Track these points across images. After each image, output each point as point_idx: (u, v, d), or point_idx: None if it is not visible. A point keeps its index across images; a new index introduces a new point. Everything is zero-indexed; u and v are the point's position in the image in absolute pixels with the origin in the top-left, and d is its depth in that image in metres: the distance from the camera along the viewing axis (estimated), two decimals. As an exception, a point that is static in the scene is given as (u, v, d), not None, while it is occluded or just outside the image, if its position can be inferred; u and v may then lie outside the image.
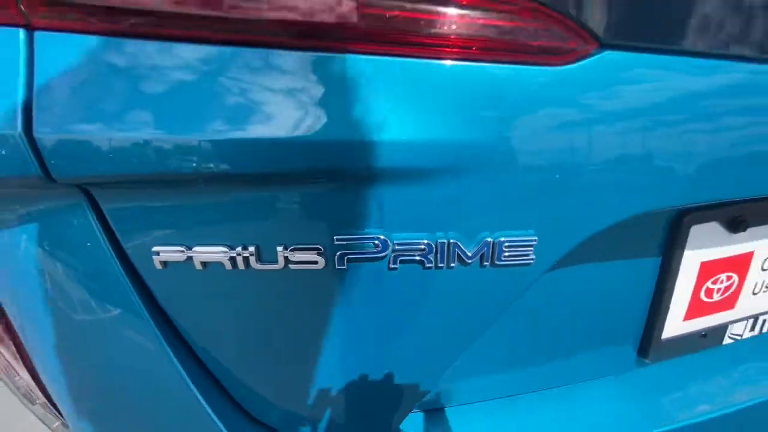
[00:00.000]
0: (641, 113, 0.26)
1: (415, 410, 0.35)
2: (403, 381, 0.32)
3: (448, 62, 0.24)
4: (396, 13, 0.22)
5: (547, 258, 0.28)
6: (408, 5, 0.22)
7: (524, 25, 0.23)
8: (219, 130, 0.22)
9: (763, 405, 0.40)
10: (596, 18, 0.24)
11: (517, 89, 0.24)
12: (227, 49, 0.23)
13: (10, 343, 0.36)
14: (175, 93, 0.23)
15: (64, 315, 0.28)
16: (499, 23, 0.23)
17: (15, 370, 0.38)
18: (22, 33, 0.23)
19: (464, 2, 0.23)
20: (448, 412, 0.36)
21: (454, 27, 0.23)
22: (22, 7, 0.23)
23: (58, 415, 0.43)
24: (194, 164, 0.23)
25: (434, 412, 0.36)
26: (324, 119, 0.23)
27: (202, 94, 0.23)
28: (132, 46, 0.22)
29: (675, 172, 0.29)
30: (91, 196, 0.25)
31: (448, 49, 0.23)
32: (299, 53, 0.23)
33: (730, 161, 0.30)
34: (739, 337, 0.42)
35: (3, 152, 0.22)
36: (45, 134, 0.22)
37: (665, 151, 0.27)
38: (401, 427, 0.34)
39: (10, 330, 0.34)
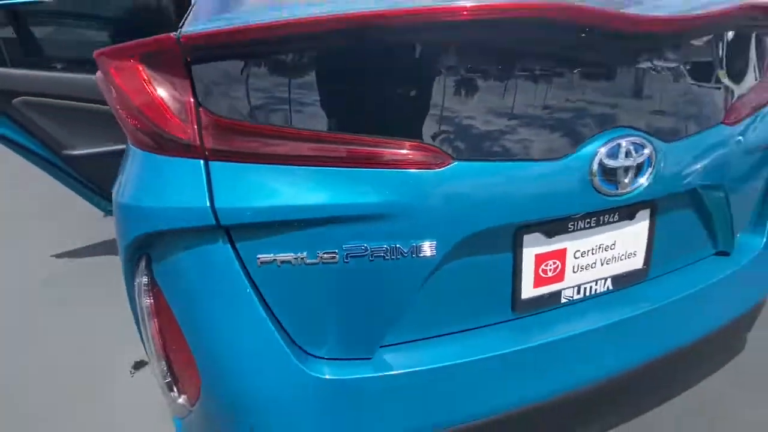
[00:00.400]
0: (482, 191, 0.57)
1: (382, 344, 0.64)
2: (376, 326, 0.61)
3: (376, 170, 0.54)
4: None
5: (443, 250, 0.58)
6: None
7: (415, 153, 0.54)
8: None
9: (587, 334, 0.70)
10: (450, 146, 0.56)
11: (413, 179, 0.55)
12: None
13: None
14: (302, 180, 0.52)
15: (211, 302, 0.56)
16: (405, 152, 0.54)
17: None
18: (202, 163, 0.53)
19: (373, 142, 0.54)
20: (402, 346, 0.65)
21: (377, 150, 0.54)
22: (204, 150, 0.53)
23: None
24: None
25: (393, 346, 0.65)
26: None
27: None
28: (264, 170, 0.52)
29: (507, 210, 0.60)
30: (229, 232, 0.54)
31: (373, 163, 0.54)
32: None
33: (531, 208, 0.61)
34: (570, 298, 0.72)
35: (197, 221, 0.52)
36: (222, 206, 0.51)
37: (497, 202, 0.59)
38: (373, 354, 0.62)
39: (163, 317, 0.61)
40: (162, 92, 0.52)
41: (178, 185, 0.52)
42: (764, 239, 0.91)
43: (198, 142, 0.52)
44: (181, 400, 0.70)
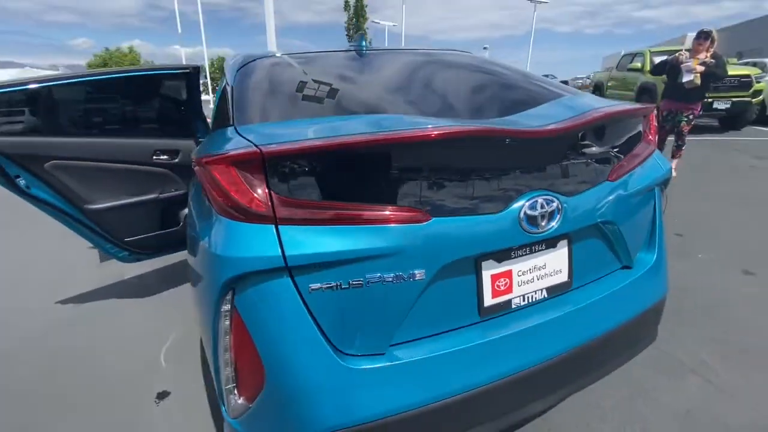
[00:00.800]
0: (451, 235, 0.89)
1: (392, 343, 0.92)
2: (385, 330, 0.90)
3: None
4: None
5: (429, 275, 0.88)
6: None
7: (409, 214, 0.85)
8: None
9: (532, 329, 1.00)
10: (430, 209, 0.87)
11: (408, 230, 0.85)
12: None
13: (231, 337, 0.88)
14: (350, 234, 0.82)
15: (277, 319, 0.83)
16: (403, 214, 0.85)
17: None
18: (272, 228, 0.82)
19: (383, 208, 0.85)
20: (405, 344, 0.93)
21: (385, 213, 0.85)
22: (275, 219, 0.82)
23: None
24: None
25: (399, 344, 0.93)
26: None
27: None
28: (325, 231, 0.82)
29: (469, 246, 0.91)
30: (290, 270, 0.82)
31: (383, 221, 0.84)
32: None
33: (485, 244, 0.93)
34: (518, 304, 1.03)
35: (270, 265, 0.80)
36: (289, 254, 0.80)
37: (462, 241, 0.90)
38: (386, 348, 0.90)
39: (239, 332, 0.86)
40: (248, 183, 0.82)
41: (259, 242, 0.81)
42: (654, 256, 1.27)
43: (271, 214, 0.81)
44: (240, 401, 0.95)
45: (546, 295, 1.07)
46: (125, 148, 2.06)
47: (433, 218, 0.87)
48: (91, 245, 3.45)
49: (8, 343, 2.08)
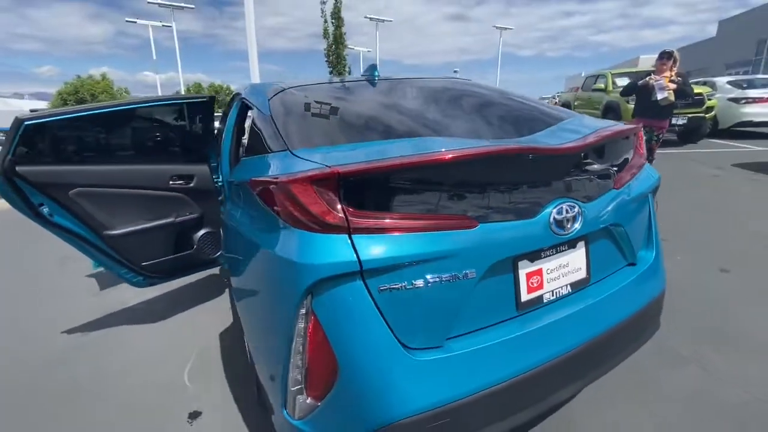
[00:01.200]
0: (495, 238, 1.03)
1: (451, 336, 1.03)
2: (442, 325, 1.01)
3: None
4: None
5: (479, 274, 1.01)
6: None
7: (461, 221, 0.99)
8: None
9: (561, 320, 1.14)
10: (478, 216, 1.01)
11: (462, 235, 0.98)
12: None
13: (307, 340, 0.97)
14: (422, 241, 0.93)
15: (351, 318, 0.93)
16: (457, 221, 0.99)
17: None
18: (346, 236, 0.93)
19: (440, 217, 0.98)
20: (458, 337, 1.04)
21: (443, 221, 0.98)
22: (349, 229, 0.93)
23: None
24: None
25: (454, 338, 1.04)
26: None
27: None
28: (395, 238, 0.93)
29: (509, 248, 1.05)
30: (362, 274, 0.93)
31: (440, 228, 0.98)
32: None
33: (521, 246, 1.07)
34: (549, 299, 1.17)
35: (346, 269, 0.91)
36: (363, 259, 0.91)
37: (503, 244, 1.04)
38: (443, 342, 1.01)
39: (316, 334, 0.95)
40: (324, 199, 0.93)
41: (336, 249, 0.92)
42: (653, 253, 1.45)
43: (345, 225, 0.93)
44: (309, 401, 1.03)
45: (570, 290, 1.21)
46: (144, 174, 2.12)
47: (480, 224, 1.00)
48: (89, 274, 3.42)
49: (22, 375, 2.04)
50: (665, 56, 3.86)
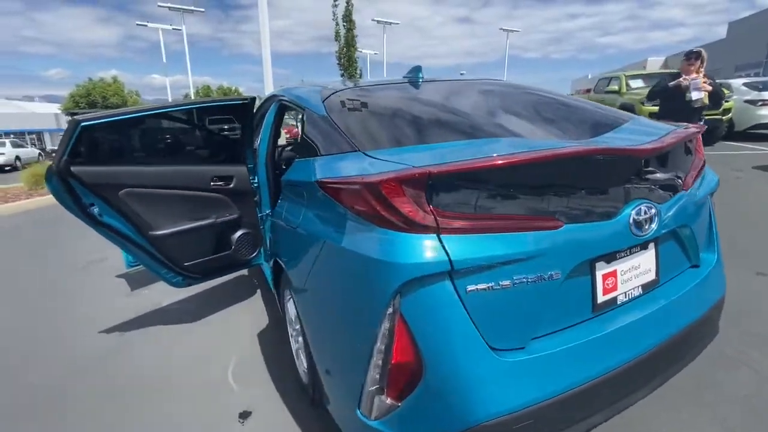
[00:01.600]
0: (579, 239, 1.02)
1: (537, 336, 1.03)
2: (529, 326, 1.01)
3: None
4: None
5: (563, 275, 1.00)
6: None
7: (548, 222, 0.99)
8: None
9: (634, 321, 1.13)
10: (564, 217, 1.01)
11: (548, 235, 0.98)
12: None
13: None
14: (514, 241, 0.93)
15: (438, 318, 0.93)
16: (544, 223, 0.98)
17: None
18: (435, 236, 0.93)
19: (527, 218, 0.98)
20: (540, 338, 1.04)
21: (530, 222, 0.98)
22: (438, 229, 0.93)
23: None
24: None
25: (536, 338, 1.03)
26: None
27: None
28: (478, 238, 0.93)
29: (590, 249, 1.05)
30: (451, 274, 0.93)
31: (528, 228, 0.98)
32: None
33: (600, 247, 1.07)
34: (622, 300, 1.16)
35: (437, 269, 0.91)
36: (454, 259, 0.91)
37: (585, 244, 1.04)
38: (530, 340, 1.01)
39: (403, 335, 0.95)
40: (413, 199, 0.93)
41: (427, 249, 0.92)
42: (715, 255, 1.43)
43: (434, 224, 0.93)
44: (388, 401, 1.03)
45: (641, 292, 1.20)
46: (189, 175, 2.14)
47: (565, 225, 1.00)
48: (119, 274, 3.44)
49: (65, 376, 2.06)
50: (693, 56, 3.68)
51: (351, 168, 1.15)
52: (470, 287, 0.94)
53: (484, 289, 0.95)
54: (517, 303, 0.98)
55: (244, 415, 1.70)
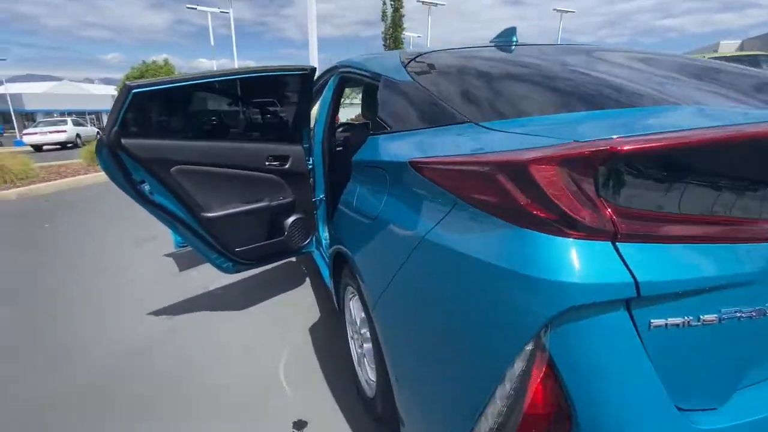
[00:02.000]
0: None
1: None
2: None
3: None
4: None
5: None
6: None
7: None
8: None
9: None
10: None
11: None
12: None
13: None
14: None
15: (606, 363, 0.64)
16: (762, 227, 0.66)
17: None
18: (610, 245, 0.64)
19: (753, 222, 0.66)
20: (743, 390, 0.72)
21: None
22: (616, 230, 0.63)
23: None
24: None
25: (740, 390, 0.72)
26: None
27: None
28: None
29: None
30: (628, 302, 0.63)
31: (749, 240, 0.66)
32: None
33: None
34: None
35: (616, 294, 0.61)
36: (643, 280, 0.61)
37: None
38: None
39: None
40: (576, 188, 0.64)
41: (599, 264, 0.63)
42: None
43: (612, 228, 0.63)
44: None
45: None
46: (244, 152, 1.94)
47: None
48: (167, 253, 3.39)
49: (114, 359, 1.96)
50: None
51: (462, 144, 0.87)
52: (656, 321, 0.64)
53: (676, 324, 0.64)
54: (721, 347, 0.67)
55: (299, 426, 1.50)
